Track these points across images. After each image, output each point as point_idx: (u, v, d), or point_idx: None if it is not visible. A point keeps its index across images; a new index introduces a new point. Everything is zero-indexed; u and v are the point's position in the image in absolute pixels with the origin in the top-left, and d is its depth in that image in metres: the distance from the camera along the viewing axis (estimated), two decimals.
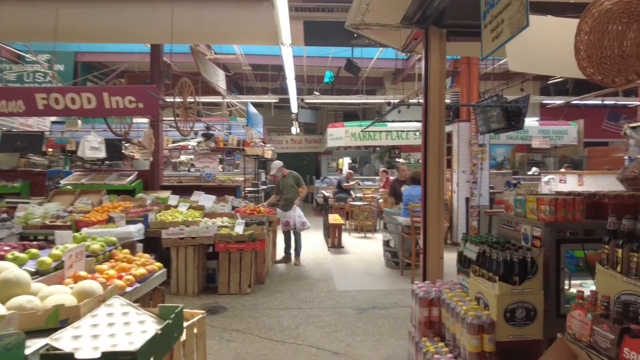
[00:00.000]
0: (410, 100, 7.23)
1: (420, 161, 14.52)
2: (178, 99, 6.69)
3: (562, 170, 10.40)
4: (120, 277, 2.61)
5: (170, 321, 2.06)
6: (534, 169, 9.60)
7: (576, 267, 2.79)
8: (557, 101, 12.92)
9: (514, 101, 7.06)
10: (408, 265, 5.98)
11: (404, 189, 7.14)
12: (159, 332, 1.90)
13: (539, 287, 2.52)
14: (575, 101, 12.84)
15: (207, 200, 6.50)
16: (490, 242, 2.93)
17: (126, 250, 3.34)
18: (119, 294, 2.37)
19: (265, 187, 10.72)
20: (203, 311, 2.51)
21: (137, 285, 2.69)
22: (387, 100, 7.13)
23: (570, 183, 9.55)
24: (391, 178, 10.28)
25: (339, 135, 12.92)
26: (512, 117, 7.06)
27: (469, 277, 3.01)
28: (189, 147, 10.69)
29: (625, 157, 12.51)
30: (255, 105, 10.74)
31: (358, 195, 10.23)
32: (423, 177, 3.31)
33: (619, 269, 1.57)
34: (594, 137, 16.35)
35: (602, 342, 1.46)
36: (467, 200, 7.86)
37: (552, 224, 2.56)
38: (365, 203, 9.28)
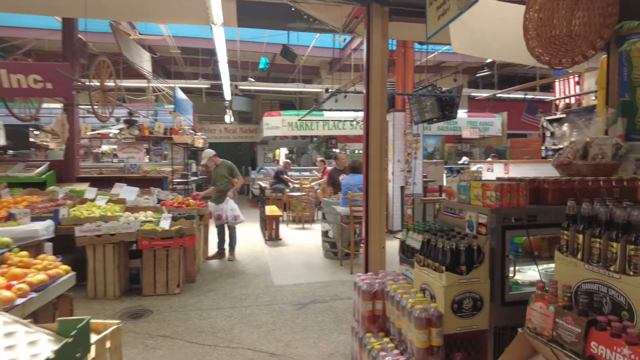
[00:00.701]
0: (348, 89, 7.08)
1: (357, 152, 14.57)
2: (96, 82, 5.98)
3: (489, 159, 10.89)
4: (9, 287, 2.14)
5: (71, 339, 1.67)
6: (464, 158, 9.99)
7: (516, 253, 2.76)
8: (484, 94, 13.57)
9: (448, 91, 7.19)
10: (347, 255, 5.86)
11: (343, 178, 7.02)
12: (53, 355, 1.51)
13: (485, 276, 2.44)
14: (500, 94, 13.57)
15: (129, 193, 5.89)
16: (434, 230, 2.82)
17: (24, 253, 2.81)
18: (5, 308, 1.92)
19: (196, 178, 10.11)
20: (118, 321, 2.12)
21: (33, 295, 2.23)
22: (326, 87, 6.91)
23: (497, 171, 10.03)
24: (329, 168, 10.17)
25: (275, 124, 12.57)
26: (446, 107, 7.19)
27: (412, 268, 2.89)
28: (111, 135, 9.77)
29: (542, 148, 13.49)
30: (185, 91, 10.06)
31: (295, 185, 10.00)
32: (365, 166, 3.14)
33: (579, 256, 1.46)
34: (515, 129, 17.49)
35: (566, 336, 1.34)
36: (402, 189, 7.93)
37: (498, 210, 2.48)
38: (303, 194, 9.07)
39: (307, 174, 13.07)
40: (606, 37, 2.00)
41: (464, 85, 15.18)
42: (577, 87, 11.87)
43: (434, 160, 10.80)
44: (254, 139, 17.61)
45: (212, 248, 6.39)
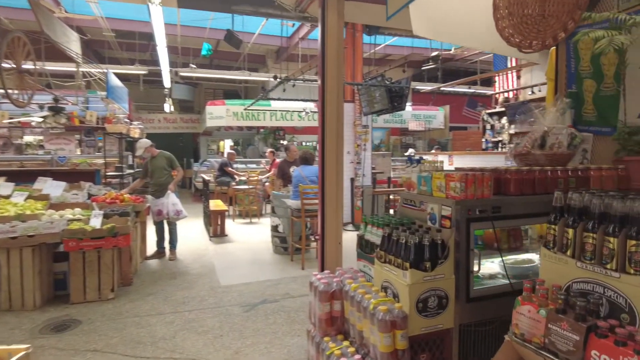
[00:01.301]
0: (297, 77, 6.80)
1: (304, 144, 14.32)
2: (10, 62, 5.24)
3: (433, 151, 11.10)
4: None
5: None
6: (411, 150, 10.09)
7: (475, 245, 2.66)
8: (429, 87, 13.84)
9: (397, 82, 7.14)
10: (298, 250, 5.63)
11: (293, 170, 6.76)
12: None
13: (450, 272, 2.30)
14: (444, 88, 13.91)
15: (54, 188, 5.24)
16: (395, 224, 2.65)
17: None
18: None
19: (132, 171, 9.39)
20: (27, 345, 1.73)
21: None
22: (274, 75, 6.57)
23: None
24: (278, 160, 9.85)
25: (219, 114, 12.01)
26: (395, 99, 7.14)
27: (372, 264, 2.71)
28: (33, 124, 8.76)
29: (483, 140, 14.02)
30: (121, 78, 9.25)
31: (242, 178, 9.58)
32: (321, 157, 2.90)
33: (569, 252, 1.32)
34: (456, 122, 18.11)
35: (561, 344, 1.19)
36: (352, 180, 7.82)
37: (462, 202, 2.35)
38: (250, 187, 8.70)
39: (253, 166, 12.65)
40: (577, 19, 1.91)
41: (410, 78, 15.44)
42: (517, 81, 12.42)
43: (382, 152, 10.83)
44: (196, 130, 16.82)
45: (151, 247, 5.89)
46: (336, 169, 2.94)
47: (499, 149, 13.05)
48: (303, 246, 5.27)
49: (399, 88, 6.87)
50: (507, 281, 2.65)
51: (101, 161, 7.44)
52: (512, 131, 12.59)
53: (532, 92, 11.33)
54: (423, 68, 12.35)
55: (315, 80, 8.13)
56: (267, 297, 4.23)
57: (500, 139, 13.20)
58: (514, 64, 12.73)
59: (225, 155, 10.78)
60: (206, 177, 8.93)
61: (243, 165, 12.37)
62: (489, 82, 14.83)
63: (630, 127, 3.17)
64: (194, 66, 10.89)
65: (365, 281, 2.61)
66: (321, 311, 2.61)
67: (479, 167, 2.95)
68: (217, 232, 7.14)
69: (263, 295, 4.28)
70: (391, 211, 8.14)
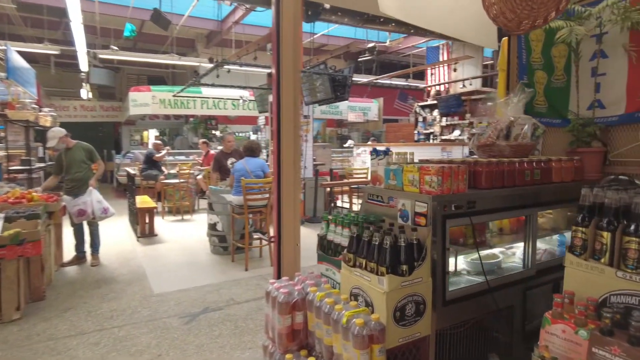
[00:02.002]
0: (236, 61, 6.29)
1: (238, 134, 13.68)
2: None
3: (369, 143, 11.11)
4: None
5: None
6: (350, 141, 9.98)
7: None
8: (365, 79, 13.86)
9: (340, 71, 6.91)
10: (239, 249, 5.22)
11: (233, 162, 6.29)
12: None
13: (427, 275, 2.09)
14: (379, 80, 14.01)
15: None
16: (362, 222, 2.39)
17: None
18: None
19: (44, 164, 8.27)
20: None
21: None
22: (210, 57, 5.99)
23: None
24: (213, 152, 9.24)
25: (144, 101, 11.03)
26: (338, 88, 6.91)
27: (336, 267, 2.44)
28: None
29: (415, 132, 14.39)
30: (27, 59, 8.03)
31: (172, 171, 8.84)
32: (276, 150, 2.55)
33: (605, 260, 1.12)
34: (388, 115, 18.48)
35: None
36: None
37: (439, 197, 2.14)
38: (181, 180, 8.02)
39: (182, 158, 11.84)
40: None
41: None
42: (451, 74, 12.81)
43: (322, 144, 10.63)
44: (117, 119, 15.43)
45: (69, 252, 5.12)
46: (294, 163, 2.61)
47: (431, 140, 13.49)
48: (247, 245, 4.87)
49: (341, 77, 6.64)
50: (477, 279, 2.52)
51: (2, 153, 6.39)
52: (443, 123, 13.06)
53: (464, 86, 11.78)
54: (360, 59, 12.31)
55: (254, 66, 7.65)
56: (209, 305, 3.79)
57: (431, 130, 13.64)
58: (445, 58, 13.17)
59: (150, 145, 9.88)
60: (131, 171, 8.10)
61: (171, 157, 11.51)
62: (421, 76, 15.23)
63: (583, 119, 3.19)
64: (116, 48, 9.83)
65: (331, 288, 2.32)
66: (281, 325, 2.27)
67: (437, 159, 2.79)
68: (145, 232, 6.47)
69: (204, 303, 3.84)
70: (343, 204, 7.96)
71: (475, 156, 3.15)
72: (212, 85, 7.34)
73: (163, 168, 9.16)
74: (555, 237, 3.02)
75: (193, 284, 4.34)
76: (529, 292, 2.65)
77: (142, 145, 14.73)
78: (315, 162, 8.14)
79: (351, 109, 14.75)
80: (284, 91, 2.55)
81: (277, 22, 2.54)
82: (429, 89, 13.94)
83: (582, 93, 3.32)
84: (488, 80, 12.63)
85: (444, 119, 12.81)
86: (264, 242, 5.17)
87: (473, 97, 11.74)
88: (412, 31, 9.33)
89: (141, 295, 4.02)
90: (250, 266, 4.86)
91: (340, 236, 2.43)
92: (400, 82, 14.40)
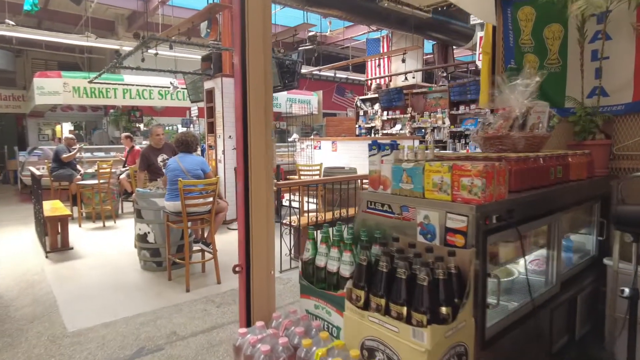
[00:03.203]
0: (168, 39, 5.30)
1: (167, 128, 12.38)
2: None
3: (312, 137, 10.51)
4: None
5: None
6: (295, 135, 9.31)
7: None
8: (304, 70, 13.19)
9: (289, 55, 6.20)
10: (176, 264, 4.35)
11: (163, 159, 5.35)
12: None
13: (469, 316, 1.52)
14: (318, 72, 13.44)
15: None
16: (366, 240, 1.77)
17: None
18: None
19: None
20: None
21: None
22: (135, 32, 4.93)
23: (325, 149, 9.73)
24: (138, 147, 8.07)
25: (53, 88, 9.48)
26: (286, 75, 6.21)
27: (332, 305, 1.79)
28: None
29: (357, 126, 14.05)
30: None
31: (90, 170, 7.56)
32: (242, 148, 1.82)
33: None
34: (327, 109, 18.07)
35: None
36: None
37: (484, 207, 1.57)
38: (102, 181, 6.83)
39: (102, 154, 10.40)
40: None
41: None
42: (392, 67, 12.58)
43: None
44: (21, 110, 13.33)
45: None
46: (265, 163, 1.89)
47: (372, 135, 13.21)
48: (187, 260, 4.01)
49: (291, 63, 5.94)
50: (507, 303, 2.00)
51: None
52: (384, 117, 12.82)
53: (406, 79, 11.58)
54: (300, 48, 11.63)
55: (191, 44, 6.63)
56: (145, 344, 2.94)
57: (373, 125, 13.36)
58: (385, 50, 12.93)
59: (62, 141, 8.44)
60: (35, 171, 6.73)
61: (89, 154, 10.05)
62: (360, 69, 14.92)
63: (590, 107, 2.82)
64: (12, 23, 8.23)
65: (330, 336, 1.66)
66: None
67: (481, 155, 2.23)
68: (56, 245, 5.30)
69: (138, 341, 2.98)
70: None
71: (478, 150, 2.67)
72: (138, 68, 6.24)
73: (79, 166, 7.83)
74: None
75: (121, 314, 3.43)
76: (556, 312, 2.19)
77: (54, 140, 12.87)
78: None
79: (290, 102, 14.06)
80: (251, 82, 1.82)
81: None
82: (369, 82, 13.64)
83: (576, 80, 2.98)
84: (432, 75, 12.60)
85: (385, 112, 12.56)
86: (208, 255, 4.35)
87: (414, 90, 11.60)
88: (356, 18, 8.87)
89: (49, 337, 3.05)
90: (192, 285, 4.02)
91: (337, 261, 1.77)
92: (342, 74, 13.94)
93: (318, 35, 11.65)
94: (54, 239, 5.30)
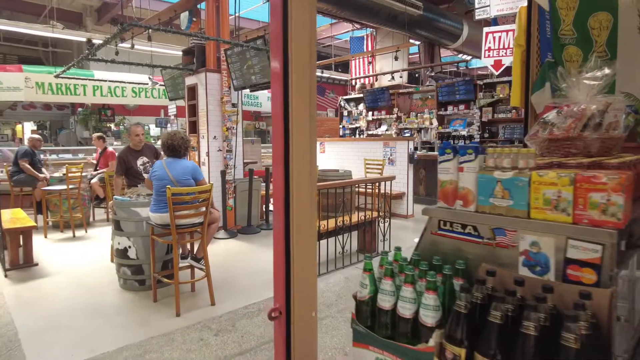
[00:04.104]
0: (147, 27, 4.71)
1: (146, 127, 11.65)
2: None
3: None
4: None
5: None
6: None
7: None
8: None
9: None
10: (160, 282, 3.81)
11: (143, 162, 4.79)
12: None
13: None
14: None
15: None
16: (454, 275, 1.34)
17: None
18: None
19: None
20: None
21: None
22: (113, 18, 4.29)
23: None
24: (111, 149, 7.40)
25: (13, 83, 8.64)
26: None
27: (395, 357, 1.35)
28: None
29: (340, 127, 13.67)
30: None
31: (56, 175, 6.84)
32: (283, 152, 1.35)
33: None
34: None
35: None
36: (223, 174, 6.15)
37: (623, 231, 1.17)
38: (72, 186, 6.14)
39: (69, 156, 9.61)
40: None
41: None
42: (377, 66, 12.26)
43: (251, 138, 9.31)
44: None
45: None
46: (310, 168, 1.44)
47: (357, 136, 12.86)
48: (176, 279, 3.48)
49: None
50: None
51: None
52: (370, 118, 12.50)
53: (392, 78, 11.27)
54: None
55: (176, 32, 6.03)
56: None
57: (357, 125, 13.01)
58: (370, 49, 12.61)
59: (26, 142, 7.64)
60: None
61: (55, 156, 9.24)
62: (342, 68, 14.57)
63: None
64: None
65: None
66: None
67: (551, 159, 1.83)
68: (18, 261, 4.64)
69: None
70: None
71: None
72: (112, 61, 5.61)
73: (44, 170, 7.09)
74: None
75: (100, 348, 2.88)
76: None
77: (15, 141, 11.86)
78: (246, 160, 6.85)
79: (271, 100, 13.54)
80: (295, 86, 1.34)
81: None
82: (353, 81, 13.29)
83: (632, 73, 2.67)
84: (417, 77, 12.35)
85: (370, 113, 12.23)
86: (199, 273, 3.83)
87: (400, 90, 11.32)
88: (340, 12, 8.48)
89: None
90: (182, 308, 3.49)
91: (413, 304, 1.33)
92: (325, 73, 13.53)
93: None
94: (15, 254, 4.63)
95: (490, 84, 9.40)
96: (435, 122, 10.42)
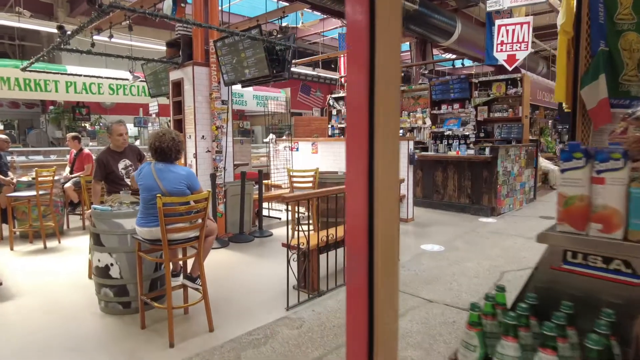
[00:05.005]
0: (132, 10, 4.17)
1: (152, 124, 10.96)
2: None
3: (285, 137, 9.55)
4: None
5: None
6: (271, 135, 8.33)
7: None
8: None
9: (279, 39, 5.25)
10: (147, 304, 3.29)
11: (126, 166, 4.25)
12: None
13: None
14: (297, 67, 12.50)
15: None
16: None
17: None
18: None
19: None
20: None
21: None
22: (99, 3, 3.74)
23: (303, 151, 8.84)
24: (87, 150, 6.77)
25: None
26: (275, 63, 5.26)
27: None
28: None
29: (329, 126, 13.26)
30: None
31: (24, 179, 6.17)
32: (368, 155, 0.89)
33: None
34: (292, 108, 17.12)
35: None
36: (213, 177, 5.63)
37: None
38: (42, 192, 5.50)
39: (39, 158, 8.88)
40: None
41: None
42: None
43: (241, 138, 8.78)
44: None
45: None
46: (394, 174, 1.00)
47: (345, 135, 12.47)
48: (169, 303, 2.97)
49: (282, 48, 5.00)
50: None
51: None
52: None
53: None
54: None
55: (165, 18, 5.50)
56: None
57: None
58: None
59: None
60: None
61: (23, 158, 8.51)
62: (328, 66, 14.15)
63: None
64: None
65: None
66: None
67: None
68: None
69: None
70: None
71: None
72: (89, 52, 5.01)
73: (10, 173, 6.40)
74: None
75: None
76: None
77: None
78: (237, 162, 6.35)
79: (257, 99, 13.01)
80: (379, 75, 0.88)
81: None
82: (342, 79, 12.89)
83: None
84: (408, 75, 12.05)
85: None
86: (193, 293, 3.33)
87: None
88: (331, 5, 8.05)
89: None
90: (176, 336, 2.99)
91: None
92: (312, 72, 13.08)
93: (290, 28, 10.71)
94: None
95: (486, 82, 9.14)
96: (428, 122, 10.11)
